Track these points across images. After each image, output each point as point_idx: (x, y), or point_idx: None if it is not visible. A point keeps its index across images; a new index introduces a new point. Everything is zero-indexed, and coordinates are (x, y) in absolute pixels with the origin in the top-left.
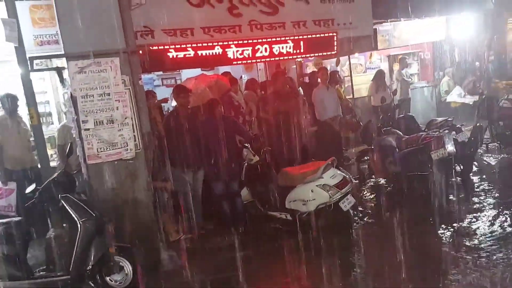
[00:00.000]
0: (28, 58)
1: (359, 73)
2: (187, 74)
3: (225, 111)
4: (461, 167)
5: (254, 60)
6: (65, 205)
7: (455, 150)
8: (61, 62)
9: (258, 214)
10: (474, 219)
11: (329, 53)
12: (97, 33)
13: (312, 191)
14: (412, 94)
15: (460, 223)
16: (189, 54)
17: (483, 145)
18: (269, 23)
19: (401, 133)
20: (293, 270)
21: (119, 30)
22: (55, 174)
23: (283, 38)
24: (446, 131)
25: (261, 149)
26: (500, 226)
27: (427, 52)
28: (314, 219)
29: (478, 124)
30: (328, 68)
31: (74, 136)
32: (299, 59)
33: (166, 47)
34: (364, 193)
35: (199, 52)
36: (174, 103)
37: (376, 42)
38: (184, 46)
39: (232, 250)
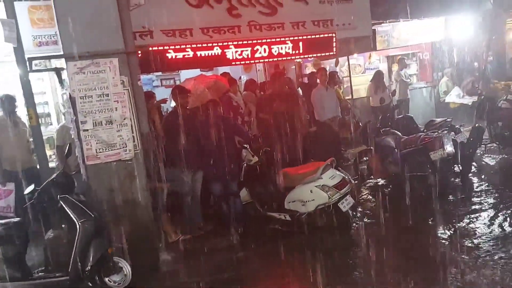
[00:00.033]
0: (27, 59)
1: (358, 74)
2: (186, 74)
3: (224, 112)
4: (460, 167)
5: (253, 61)
6: (64, 206)
7: (454, 151)
8: (60, 63)
9: (257, 215)
10: (473, 220)
11: (328, 53)
12: (96, 34)
13: (311, 192)
14: (411, 95)
15: (459, 224)
16: (188, 54)
17: (482, 145)
18: (268, 23)
19: (400, 133)
20: (292, 271)
21: (118, 30)
22: (54, 175)
23: (282, 39)
24: (445, 131)
25: (260, 150)
26: (499, 226)
27: (426, 52)
28: (313, 219)
29: (477, 125)
30: (327, 69)
31: (73, 136)
32: (298, 60)
33: (165, 47)
34: (363, 193)
35: (198, 53)
36: (173, 104)
37: (375, 42)
38: (183, 46)
39: (231, 251)
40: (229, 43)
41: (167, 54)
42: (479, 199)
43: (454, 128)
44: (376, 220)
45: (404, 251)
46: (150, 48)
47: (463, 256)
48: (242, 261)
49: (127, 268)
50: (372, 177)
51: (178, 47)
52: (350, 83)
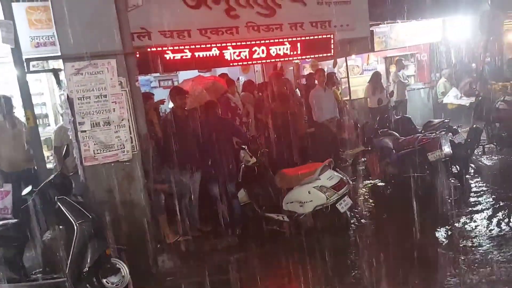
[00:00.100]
0: (24, 60)
1: (356, 75)
2: (184, 75)
3: (222, 113)
4: (458, 168)
5: (251, 62)
6: (61, 207)
7: (451, 152)
8: (58, 64)
9: (255, 216)
10: (471, 220)
11: (326, 54)
12: (94, 35)
13: (309, 193)
14: (408, 96)
15: (457, 224)
16: (186, 55)
17: (480, 146)
18: (266, 24)
19: (398, 134)
20: (291, 272)
21: (115, 31)
22: (52, 176)
23: (280, 40)
24: (443, 132)
25: (258, 151)
26: (497, 226)
27: (424, 53)
28: (311, 220)
29: (474, 126)
30: (325, 70)
31: (70, 138)
32: (296, 61)
33: (163, 48)
34: (361, 194)
35: (196, 54)
36: (171, 105)
37: (372, 43)
38: (181, 47)
39: (229, 252)
40: (227, 44)
41: (165, 55)
42: (476, 199)
43: (452, 129)
44: (374, 221)
45: (402, 252)
46: (148, 49)
47: (461, 256)
48: (241, 262)
49: (125, 269)
50: (370, 178)
51: (176, 48)
52: (348, 84)
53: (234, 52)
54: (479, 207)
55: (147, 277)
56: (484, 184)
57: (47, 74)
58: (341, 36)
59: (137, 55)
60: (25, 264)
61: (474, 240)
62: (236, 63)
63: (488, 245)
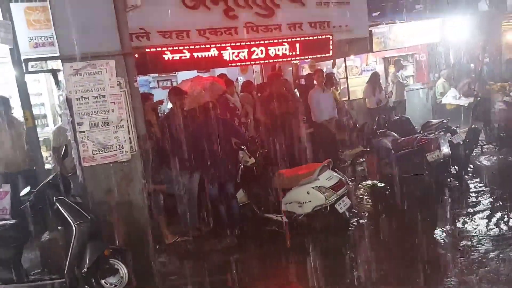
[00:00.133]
0: (23, 60)
1: (354, 75)
2: (183, 76)
3: (221, 113)
4: (456, 168)
5: (250, 62)
6: (60, 207)
7: (450, 152)
8: (56, 64)
9: (254, 216)
10: (470, 220)
11: (325, 55)
12: (93, 35)
13: (308, 193)
14: (407, 96)
15: (455, 224)
16: (185, 56)
17: (478, 147)
18: (265, 25)
19: (396, 135)
20: (289, 272)
21: (114, 32)
22: (50, 177)
23: (279, 40)
24: (442, 133)
25: (257, 151)
26: (495, 226)
27: (423, 54)
28: (310, 221)
29: (473, 126)
30: (324, 70)
31: (69, 138)
32: (295, 61)
33: (162, 49)
34: (360, 195)
35: (195, 54)
36: (169, 105)
37: (371, 44)
38: (180, 48)
39: (228, 252)
40: (226, 45)
41: (164, 56)
42: (475, 200)
43: (451, 129)
44: (373, 221)
45: (401, 252)
46: (147, 50)
47: (459, 257)
48: (239, 263)
49: (123, 270)
50: (368, 178)
51: (175, 48)
52: (347, 84)
53: (233, 53)
54: (478, 208)
55: (145, 278)
56: (483, 185)
57: (46, 75)
58: (340, 36)
59: (136, 56)
60: (23, 265)
61: (474, 240)
62: (235, 64)
63: (487, 245)
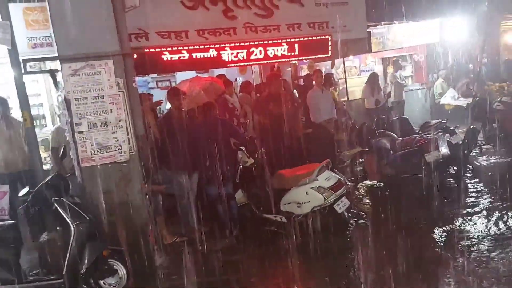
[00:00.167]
0: (21, 61)
1: (353, 76)
2: (181, 76)
3: (220, 114)
4: (455, 169)
5: (249, 63)
6: (58, 208)
7: (449, 152)
8: (55, 65)
9: (253, 217)
10: (468, 220)
11: (324, 55)
12: (91, 36)
13: (307, 194)
14: (406, 97)
15: (454, 225)
16: (184, 56)
17: (477, 147)
18: (263, 25)
19: (395, 135)
20: (288, 273)
21: (113, 32)
22: (49, 177)
23: (278, 41)
24: (440, 133)
25: (255, 152)
26: (494, 226)
27: (421, 54)
28: (309, 221)
29: (471, 126)
30: (323, 71)
31: (67, 138)
32: (293, 62)
33: (161, 49)
34: (359, 195)
35: (194, 55)
36: (168, 106)
37: (370, 44)
38: (179, 48)
39: (226, 253)
40: (225, 45)
41: (163, 56)
42: (474, 200)
43: (449, 130)
44: (372, 221)
45: (400, 252)
46: (146, 50)
47: (459, 257)
48: (238, 263)
49: (122, 270)
50: (367, 178)
51: (174, 49)
52: (346, 85)
53: (231, 53)
54: (476, 208)
55: (144, 278)
56: (482, 185)
57: (44, 75)
58: (339, 37)
59: (135, 56)
60: (22, 266)
61: (473, 240)
62: (233, 64)
63: (486, 245)
